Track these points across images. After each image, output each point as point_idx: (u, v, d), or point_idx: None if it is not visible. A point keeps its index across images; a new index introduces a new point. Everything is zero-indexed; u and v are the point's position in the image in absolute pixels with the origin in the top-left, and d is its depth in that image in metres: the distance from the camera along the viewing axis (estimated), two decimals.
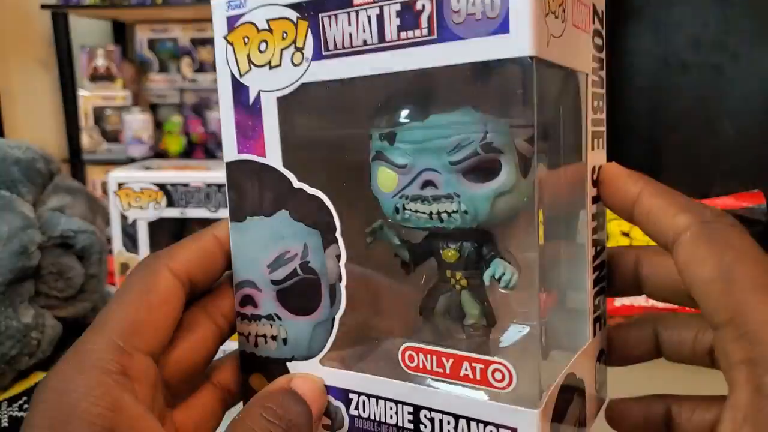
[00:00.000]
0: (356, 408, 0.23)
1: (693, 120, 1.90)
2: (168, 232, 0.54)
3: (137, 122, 2.05)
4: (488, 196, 0.21)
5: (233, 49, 0.24)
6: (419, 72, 0.20)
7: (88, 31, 2.18)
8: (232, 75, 0.24)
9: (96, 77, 2.12)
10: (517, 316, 0.22)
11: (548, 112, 0.21)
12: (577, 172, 0.23)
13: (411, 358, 0.22)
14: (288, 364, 0.24)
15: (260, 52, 0.23)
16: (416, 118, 0.22)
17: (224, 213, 0.49)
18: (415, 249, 0.24)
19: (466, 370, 0.21)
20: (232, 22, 0.24)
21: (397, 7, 0.20)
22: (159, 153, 2.09)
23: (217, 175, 0.50)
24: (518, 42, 0.18)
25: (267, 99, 0.23)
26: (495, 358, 0.20)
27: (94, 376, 0.20)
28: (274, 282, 0.24)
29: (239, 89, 0.24)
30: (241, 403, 0.26)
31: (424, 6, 0.20)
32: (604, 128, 0.25)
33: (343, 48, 0.21)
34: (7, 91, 2.05)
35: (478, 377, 0.21)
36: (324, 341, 0.24)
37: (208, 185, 0.49)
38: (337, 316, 0.23)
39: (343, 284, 0.23)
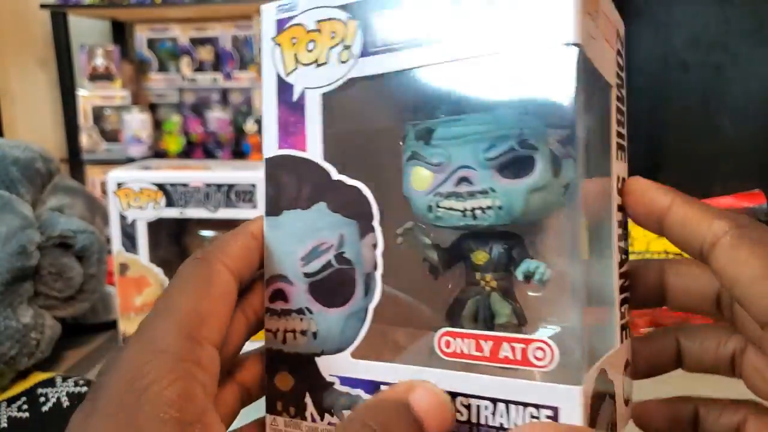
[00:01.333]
0: None
1: (693, 120, 1.90)
2: (167, 232, 0.53)
3: (136, 122, 2.05)
4: (523, 191, 0.22)
5: (281, 49, 0.25)
6: (456, 69, 0.21)
7: (88, 30, 2.18)
8: (278, 74, 0.25)
9: (95, 77, 2.12)
10: (547, 318, 0.22)
11: (582, 117, 0.21)
12: (606, 182, 0.23)
13: (447, 344, 0.22)
14: (317, 359, 0.24)
15: (308, 51, 0.24)
16: (452, 116, 0.23)
17: (224, 213, 0.49)
18: (445, 252, 0.24)
19: (506, 351, 0.21)
20: (281, 24, 0.25)
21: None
22: (158, 153, 2.09)
23: (217, 175, 0.49)
24: (563, 31, 0.19)
25: (311, 95, 0.24)
26: (536, 336, 0.20)
27: (166, 361, 0.20)
28: (306, 275, 0.24)
29: (284, 87, 0.25)
30: (264, 399, 0.25)
31: None
32: (625, 142, 0.25)
33: (391, 43, 0.23)
34: (6, 91, 2.05)
35: (519, 357, 0.20)
36: (356, 332, 0.23)
37: (208, 185, 0.49)
38: (371, 306, 0.23)
39: (379, 273, 0.23)
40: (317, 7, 0.24)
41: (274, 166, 0.25)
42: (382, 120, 0.25)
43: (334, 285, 0.24)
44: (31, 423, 0.44)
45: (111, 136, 2.14)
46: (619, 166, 0.24)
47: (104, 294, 0.61)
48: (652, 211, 0.22)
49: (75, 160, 2.10)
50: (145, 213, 0.50)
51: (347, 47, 0.23)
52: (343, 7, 0.23)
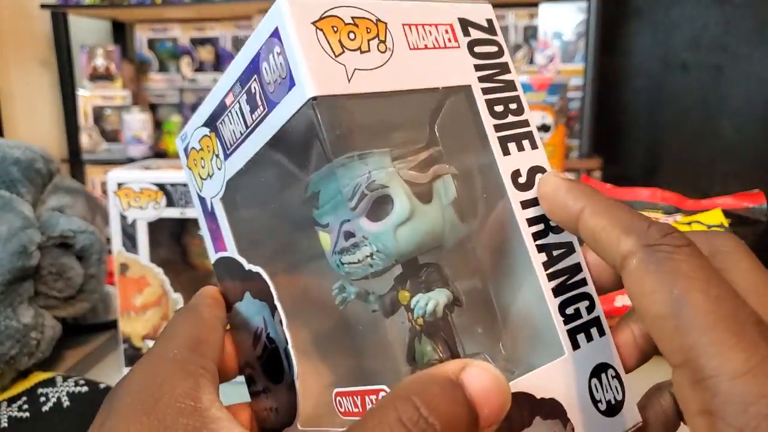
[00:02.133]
0: None
1: (693, 120, 1.90)
2: (168, 232, 0.53)
3: (137, 122, 2.05)
4: (388, 230, 0.22)
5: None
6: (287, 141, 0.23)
7: (88, 30, 2.18)
8: (197, 193, 0.28)
9: (95, 77, 2.12)
10: (470, 344, 0.22)
11: (424, 134, 0.22)
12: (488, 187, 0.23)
13: (340, 404, 0.23)
14: (285, 431, 0.26)
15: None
16: (315, 181, 0.24)
17: None
18: (383, 299, 0.23)
19: (347, 404, 0.22)
20: (186, 151, 0.28)
21: (245, 96, 0.23)
22: (158, 153, 2.09)
23: None
24: (303, 89, 0.20)
25: (215, 203, 0.27)
26: (373, 387, 0.21)
27: (176, 364, 0.22)
28: (258, 358, 0.27)
29: (202, 202, 0.28)
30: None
31: (255, 88, 0.23)
32: (530, 128, 0.24)
33: (238, 142, 0.25)
34: (6, 91, 2.05)
35: (359, 408, 0.22)
36: (295, 403, 0.25)
37: None
38: (295, 377, 0.25)
39: (290, 346, 0.25)
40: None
41: (217, 268, 0.28)
42: (262, 204, 0.27)
43: (272, 363, 0.26)
44: (31, 423, 0.44)
45: (111, 137, 2.14)
46: (519, 159, 0.23)
47: (104, 294, 0.61)
48: (566, 216, 0.20)
49: (75, 160, 2.10)
50: (145, 213, 0.50)
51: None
52: (206, 125, 0.27)
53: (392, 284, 0.23)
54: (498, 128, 0.24)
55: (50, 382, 0.47)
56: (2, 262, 0.46)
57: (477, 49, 0.24)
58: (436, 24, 0.24)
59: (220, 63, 2.17)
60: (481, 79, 0.24)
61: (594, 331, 0.23)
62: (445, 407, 0.16)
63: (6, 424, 0.43)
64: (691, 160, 1.88)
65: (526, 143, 0.24)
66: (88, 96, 2.12)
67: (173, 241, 0.56)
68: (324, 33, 0.24)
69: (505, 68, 0.25)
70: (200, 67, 2.18)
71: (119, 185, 0.50)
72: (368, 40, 0.24)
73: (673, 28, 1.89)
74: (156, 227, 0.51)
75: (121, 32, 2.22)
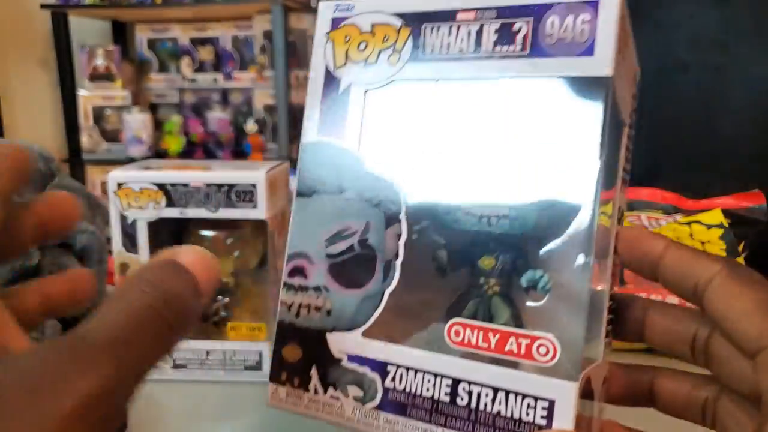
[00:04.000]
0: (393, 380, 0.24)
1: (693, 120, 1.90)
2: (168, 232, 0.53)
3: (137, 122, 2.05)
4: (536, 207, 0.23)
5: (333, 44, 0.27)
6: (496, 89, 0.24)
7: (88, 30, 2.18)
8: (327, 67, 0.27)
9: (95, 77, 2.12)
10: (544, 325, 0.22)
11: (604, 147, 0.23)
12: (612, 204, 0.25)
13: (457, 333, 0.23)
14: (328, 334, 0.25)
15: (359, 50, 0.26)
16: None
17: (224, 213, 0.49)
18: (454, 254, 0.25)
19: (511, 344, 0.22)
20: (336, 23, 0.27)
21: (497, 25, 0.24)
22: (159, 153, 2.10)
23: (217, 175, 0.50)
24: (600, 64, 0.22)
25: (356, 91, 0.26)
26: (541, 333, 0.22)
27: None
28: (329, 255, 0.26)
29: (331, 80, 0.27)
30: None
31: (521, 28, 0.24)
32: (629, 177, 0.27)
33: (440, 53, 0.25)
34: (6, 91, 2.05)
35: (523, 352, 0.22)
36: (370, 314, 0.25)
37: (208, 185, 0.49)
38: (388, 291, 0.25)
39: (399, 261, 0.25)
40: (373, 12, 0.26)
41: (311, 151, 0.27)
42: (418, 123, 0.26)
43: (353, 268, 0.26)
44: None
45: (111, 136, 2.15)
46: (621, 198, 0.26)
47: (105, 294, 0.61)
48: (647, 255, 0.24)
49: (75, 160, 2.10)
50: (145, 213, 0.50)
51: (397, 51, 0.26)
52: (398, 15, 0.26)
53: (468, 245, 0.24)
54: (624, 170, 0.26)
55: None
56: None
57: None
58: None
59: (220, 63, 2.17)
60: (630, 124, 0.27)
61: (609, 348, 0.25)
62: (173, 281, 0.20)
63: None
64: (691, 160, 1.88)
65: (624, 187, 0.27)
66: (88, 96, 2.12)
67: (173, 241, 0.56)
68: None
69: None
70: (200, 67, 2.19)
71: (119, 185, 0.50)
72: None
73: (673, 28, 1.90)
74: (156, 227, 0.51)
75: (121, 32, 2.22)
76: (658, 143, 1.90)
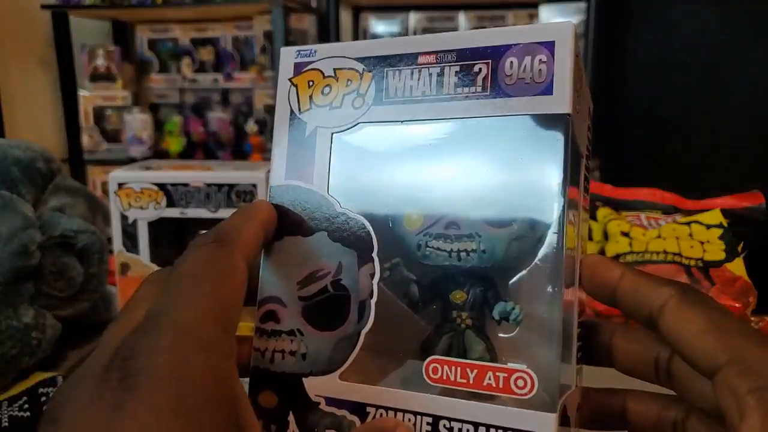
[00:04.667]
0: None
1: (693, 120, 1.90)
2: (168, 232, 0.54)
3: (137, 122, 2.05)
4: (506, 238, 0.24)
5: (296, 89, 0.28)
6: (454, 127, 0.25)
7: (89, 31, 2.18)
8: (291, 111, 0.27)
9: (96, 77, 2.13)
10: (517, 356, 0.23)
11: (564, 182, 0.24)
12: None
13: (435, 370, 0.24)
14: (304, 379, 0.25)
15: (323, 94, 0.27)
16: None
17: (224, 213, 0.49)
18: (426, 289, 0.25)
19: (489, 379, 0.23)
20: (299, 68, 0.28)
21: (457, 68, 0.25)
22: (159, 153, 2.10)
23: (218, 175, 0.50)
24: (559, 102, 0.23)
25: (323, 134, 0.27)
26: (517, 366, 0.22)
27: (205, 347, 0.19)
28: (301, 298, 0.26)
29: (296, 124, 0.27)
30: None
31: (480, 69, 0.25)
32: (588, 207, 0.28)
33: (404, 96, 0.26)
34: (7, 91, 2.05)
35: (501, 385, 0.23)
36: (346, 356, 0.25)
37: (208, 185, 0.49)
38: (364, 331, 0.25)
39: (373, 301, 0.25)
40: (336, 57, 0.27)
41: (280, 194, 0.27)
42: (386, 162, 0.26)
43: (327, 309, 0.25)
44: (32, 422, 0.44)
45: (112, 137, 2.15)
46: (583, 226, 0.26)
47: (105, 294, 0.61)
48: (604, 282, 0.24)
49: (76, 161, 2.10)
50: (146, 213, 0.51)
51: (361, 95, 0.26)
52: (360, 60, 0.26)
53: (438, 280, 0.25)
54: (584, 199, 0.27)
55: (51, 382, 0.47)
56: (3, 262, 0.46)
57: None
58: None
59: (220, 63, 2.17)
60: (585, 156, 0.27)
61: (581, 375, 0.26)
62: None
63: (7, 424, 0.43)
64: (691, 160, 1.88)
65: (586, 216, 0.27)
66: (88, 96, 2.12)
67: (174, 241, 0.56)
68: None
69: None
70: (200, 68, 2.19)
71: (120, 185, 0.50)
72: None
73: (673, 28, 1.89)
74: (156, 227, 0.51)
75: (121, 32, 2.23)
76: (658, 143, 1.90)
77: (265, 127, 2.12)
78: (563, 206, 0.23)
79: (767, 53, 1.81)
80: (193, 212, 0.50)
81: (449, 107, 0.25)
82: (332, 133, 0.26)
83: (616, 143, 1.84)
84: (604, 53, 1.74)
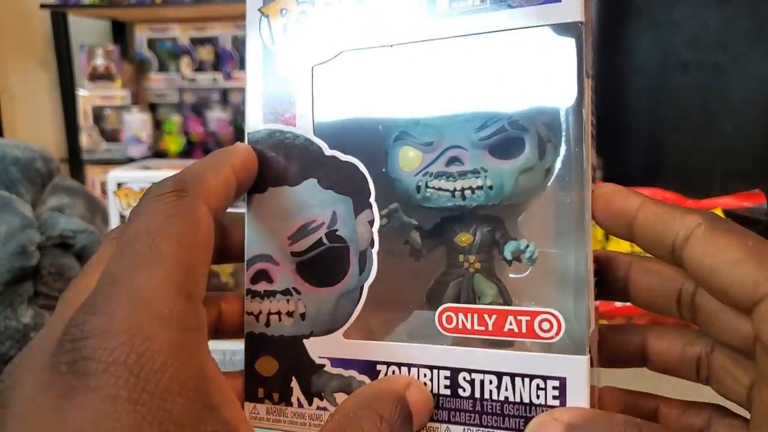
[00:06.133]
0: None
1: (693, 120, 1.90)
2: None
3: (136, 122, 2.05)
4: (514, 171, 0.21)
5: (268, 20, 0.24)
6: (450, 47, 0.22)
7: (88, 30, 2.18)
8: (264, 45, 0.24)
9: (95, 77, 2.12)
10: (532, 298, 0.21)
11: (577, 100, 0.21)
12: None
13: (449, 319, 0.22)
14: (305, 341, 0.23)
15: (298, 23, 0.24)
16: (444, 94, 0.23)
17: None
18: (428, 234, 0.23)
19: (510, 324, 0.21)
20: None
21: None
22: (158, 153, 2.09)
23: None
24: (569, 9, 0.21)
25: (302, 68, 0.24)
26: (541, 308, 0.20)
27: (172, 332, 0.17)
28: (294, 254, 0.24)
29: (270, 59, 0.24)
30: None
31: None
32: (594, 131, 0.25)
33: (390, 17, 0.22)
34: (6, 91, 2.05)
35: (524, 330, 0.20)
36: (350, 312, 0.23)
37: None
38: (367, 284, 0.23)
39: (375, 250, 0.23)
40: None
41: (259, 141, 0.24)
42: (376, 95, 0.23)
43: (325, 264, 0.23)
44: None
45: (111, 136, 2.14)
46: (592, 154, 0.24)
47: None
48: (622, 212, 0.22)
49: (75, 160, 2.10)
50: None
51: (342, 19, 0.23)
52: None
53: (441, 223, 0.22)
54: (591, 124, 0.23)
55: None
56: (2, 262, 0.46)
57: None
58: None
59: (219, 63, 2.16)
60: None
61: (597, 314, 0.24)
62: (393, 418, 0.20)
63: None
64: (691, 160, 1.88)
65: (593, 143, 0.24)
66: (87, 96, 2.11)
67: None
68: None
69: None
70: (200, 67, 2.18)
71: (119, 185, 0.50)
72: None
73: (673, 28, 1.89)
74: None
75: (120, 32, 2.22)
76: (658, 143, 1.90)
77: None
78: (580, 128, 0.21)
79: (767, 53, 1.81)
80: None
81: (444, 25, 0.22)
82: (312, 66, 0.23)
83: (617, 143, 1.84)
84: (605, 53, 1.74)
